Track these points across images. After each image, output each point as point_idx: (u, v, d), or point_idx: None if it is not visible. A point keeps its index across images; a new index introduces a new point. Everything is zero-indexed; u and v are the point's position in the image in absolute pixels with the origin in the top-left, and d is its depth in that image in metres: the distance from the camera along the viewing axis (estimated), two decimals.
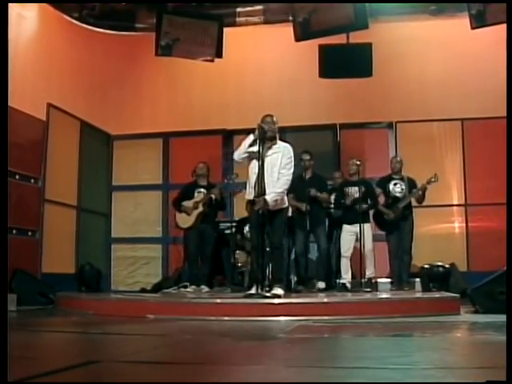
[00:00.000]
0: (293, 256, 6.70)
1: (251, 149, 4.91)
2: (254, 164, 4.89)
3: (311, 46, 7.48)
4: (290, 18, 7.68)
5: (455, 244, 7.73)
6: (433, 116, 7.92)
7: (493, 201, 7.38)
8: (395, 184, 6.59)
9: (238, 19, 8.10)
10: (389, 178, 6.68)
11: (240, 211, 7.31)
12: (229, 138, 8.51)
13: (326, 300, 5.01)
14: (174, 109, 8.88)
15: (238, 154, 5.00)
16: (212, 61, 7.74)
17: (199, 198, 6.59)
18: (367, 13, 7.17)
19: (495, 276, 4.79)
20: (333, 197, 6.77)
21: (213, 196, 6.58)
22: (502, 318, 3.69)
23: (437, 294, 5.64)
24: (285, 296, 4.92)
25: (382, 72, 7.55)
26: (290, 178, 4.95)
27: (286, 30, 7.61)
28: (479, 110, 7.67)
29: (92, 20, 7.98)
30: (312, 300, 5.09)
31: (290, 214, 5.31)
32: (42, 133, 7.13)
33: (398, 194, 6.56)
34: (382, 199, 6.66)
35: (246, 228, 7.00)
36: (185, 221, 6.58)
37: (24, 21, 7.04)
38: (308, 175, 6.56)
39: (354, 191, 6.43)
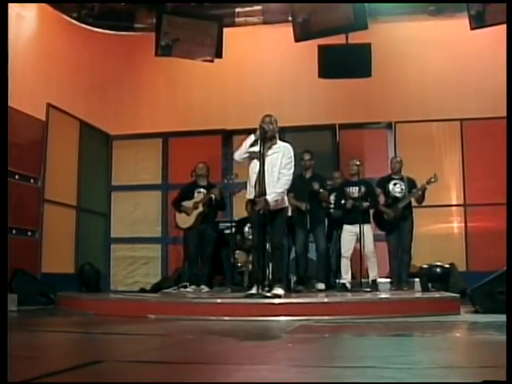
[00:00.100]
0: (292, 255, 6.70)
1: (252, 149, 4.91)
2: (255, 164, 4.90)
3: (310, 47, 7.49)
4: (290, 18, 7.69)
5: (454, 244, 7.73)
6: (432, 116, 7.93)
7: (492, 201, 7.39)
8: (395, 184, 6.60)
9: (237, 19, 8.11)
10: (388, 178, 6.69)
11: (240, 211, 7.32)
12: (228, 138, 8.51)
13: (326, 300, 5.03)
14: (174, 109, 8.88)
15: (239, 154, 5.00)
16: (212, 61, 7.75)
17: (199, 198, 6.59)
18: (367, 13, 7.18)
19: (495, 276, 4.80)
20: (332, 197, 6.78)
21: (213, 196, 6.58)
22: (502, 317, 3.70)
23: (437, 294, 5.65)
24: (285, 296, 4.93)
25: (382, 72, 7.57)
26: (291, 177, 4.96)
27: (286, 31, 7.62)
28: (478, 110, 7.68)
29: (91, 20, 7.98)
30: (312, 300, 5.10)
31: (289, 213, 5.31)
32: (42, 133, 7.12)
33: (397, 194, 6.56)
34: (381, 199, 6.66)
35: (246, 228, 7.02)
36: (185, 221, 6.58)
37: (23, 21, 7.04)
38: (308, 175, 6.56)
39: (355, 191, 6.43)
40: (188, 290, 6.45)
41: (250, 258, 6.47)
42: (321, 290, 6.28)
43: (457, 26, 7.47)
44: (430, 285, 6.67)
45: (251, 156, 4.95)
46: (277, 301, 4.67)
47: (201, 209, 6.53)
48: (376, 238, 6.54)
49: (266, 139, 4.90)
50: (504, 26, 6.28)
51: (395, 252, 6.52)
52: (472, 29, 6.96)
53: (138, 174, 8.70)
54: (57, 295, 6.05)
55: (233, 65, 8.29)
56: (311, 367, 2.24)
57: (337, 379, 1.96)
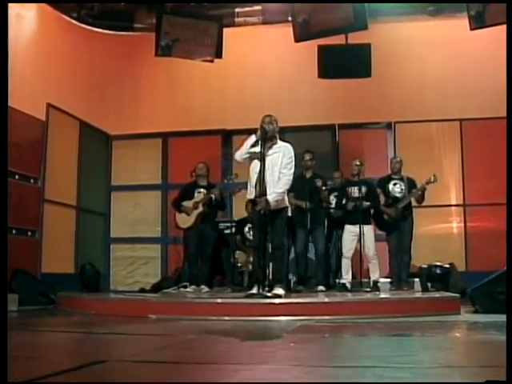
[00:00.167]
0: (292, 255, 6.70)
1: (253, 149, 4.92)
2: (256, 164, 4.90)
3: (310, 47, 7.50)
4: (290, 18, 7.69)
5: (453, 244, 7.74)
6: (431, 116, 7.93)
7: (491, 201, 7.40)
8: (395, 184, 6.60)
9: (236, 19, 8.11)
10: (388, 179, 6.69)
11: (240, 211, 7.33)
12: (228, 138, 8.52)
13: (326, 300, 5.03)
14: (173, 109, 8.88)
15: (240, 155, 5.00)
16: (212, 61, 7.75)
17: (199, 198, 6.60)
18: (367, 13, 7.19)
19: (495, 276, 4.81)
20: (332, 197, 6.78)
21: (213, 196, 6.59)
22: (503, 317, 3.70)
23: (437, 294, 5.67)
24: (285, 296, 4.93)
25: (381, 72, 7.58)
26: (291, 177, 4.97)
27: (285, 31, 7.62)
28: (478, 110, 7.70)
29: (91, 20, 7.98)
30: (313, 300, 5.10)
31: (289, 213, 5.32)
32: (42, 133, 7.12)
33: (397, 194, 6.57)
34: (381, 199, 6.67)
35: (246, 228, 7.03)
36: (185, 221, 6.59)
37: (23, 21, 7.04)
38: (309, 175, 6.56)
39: (357, 191, 6.42)
40: (188, 289, 6.45)
41: (250, 258, 6.50)
42: (321, 291, 6.27)
43: (456, 26, 7.48)
44: (429, 285, 6.69)
45: (252, 156, 4.95)
46: (277, 301, 4.67)
47: (201, 209, 6.54)
48: (376, 238, 6.54)
49: (267, 139, 4.91)
50: (503, 27, 6.29)
51: (395, 252, 6.52)
52: (472, 29, 6.97)
53: (138, 174, 8.70)
54: (57, 295, 6.05)
55: (233, 65, 8.29)
56: (314, 367, 2.25)
57: (339, 379, 1.97)
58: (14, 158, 5.76)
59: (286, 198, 5.11)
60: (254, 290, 4.87)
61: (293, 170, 4.99)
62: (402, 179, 6.61)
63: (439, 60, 8.04)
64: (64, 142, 7.68)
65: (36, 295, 6.11)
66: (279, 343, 3.09)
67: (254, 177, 4.90)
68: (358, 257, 6.27)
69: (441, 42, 7.96)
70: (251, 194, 4.92)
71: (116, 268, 8.63)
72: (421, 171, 6.74)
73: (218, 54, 7.66)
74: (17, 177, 6.57)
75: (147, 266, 8.54)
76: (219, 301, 5.00)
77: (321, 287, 6.34)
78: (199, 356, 2.56)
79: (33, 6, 7.17)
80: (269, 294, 4.79)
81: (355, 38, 7.50)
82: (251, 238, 6.47)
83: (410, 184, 6.57)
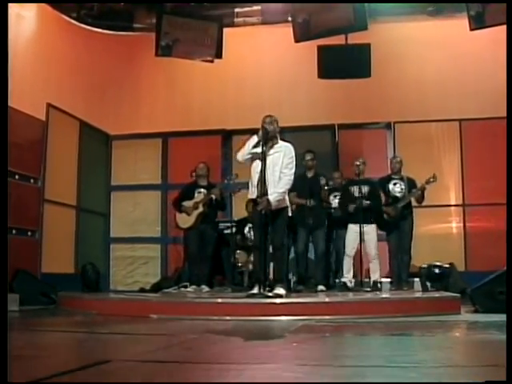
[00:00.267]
0: (292, 255, 6.71)
1: (255, 150, 4.93)
2: (257, 163, 4.91)
3: (310, 47, 7.51)
4: (289, 18, 7.71)
5: (453, 244, 7.76)
6: (431, 116, 7.94)
7: (490, 201, 7.42)
8: (395, 184, 6.62)
9: (236, 19, 8.12)
10: (388, 179, 6.70)
11: (239, 211, 7.34)
12: (228, 138, 8.52)
13: (327, 300, 5.04)
14: (173, 109, 8.88)
15: (242, 155, 5.01)
16: (212, 61, 7.76)
17: (199, 198, 6.60)
18: (367, 14, 7.20)
19: (495, 276, 4.82)
20: (332, 197, 6.79)
21: (213, 196, 6.59)
22: (503, 317, 3.73)
23: (437, 294, 5.68)
24: (286, 296, 4.95)
25: (381, 72, 7.59)
26: (292, 177, 4.98)
27: (285, 31, 7.63)
28: (477, 110, 7.71)
29: (90, 20, 7.98)
30: (313, 300, 5.11)
31: (290, 213, 5.32)
32: (42, 133, 7.12)
33: (397, 194, 6.58)
34: (382, 199, 6.68)
35: (246, 228, 7.04)
36: (185, 221, 6.59)
37: (23, 21, 7.04)
38: (310, 174, 6.56)
39: (361, 190, 6.42)
40: (188, 289, 6.46)
41: (251, 257, 6.52)
42: (321, 291, 6.28)
43: (456, 26, 7.50)
44: (429, 285, 6.70)
45: (254, 157, 4.96)
46: (278, 301, 4.69)
47: (201, 209, 6.54)
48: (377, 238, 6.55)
49: (268, 139, 4.92)
50: (502, 27, 6.31)
51: (395, 252, 6.54)
52: (472, 29, 6.99)
53: (138, 173, 8.70)
54: (58, 295, 6.05)
55: (232, 65, 8.30)
56: (318, 366, 2.26)
57: (350, 378, 1.98)
58: (13, 158, 5.76)
59: (287, 197, 5.12)
60: (255, 290, 4.88)
61: (294, 170, 5.00)
62: (402, 179, 6.62)
63: (439, 60, 8.06)
64: (64, 142, 7.68)
65: (37, 295, 6.11)
66: (282, 343, 3.10)
67: (255, 176, 4.91)
68: (359, 257, 6.28)
69: (440, 42, 7.97)
70: (253, 193, 4.94)
71: (116, 268, 8.63)
72: (420, 171, 6.75)
73: (218, 55, 7.68)
74: (17, 177, 6.57)
75: (147, 265, 8.55)
76: (220, 301, 5.01)
77: (321, 287, 6.34)
78: (203, 356, 2.57)
79: (33, 6, 7.17)
80: (270, 294, 4.80)
81: (355, 38, 7.52)
82: (251, 237, 6.50)
83: (410, 184, 6.58)
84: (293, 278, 6.76)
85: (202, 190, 6.67)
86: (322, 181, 6.35)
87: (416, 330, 3.66)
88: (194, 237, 6.56)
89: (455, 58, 7.98)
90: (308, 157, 6.53)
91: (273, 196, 4.80)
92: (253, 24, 8.16)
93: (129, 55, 8.76)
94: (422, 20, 7.85)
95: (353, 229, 6.41)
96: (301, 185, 6.16)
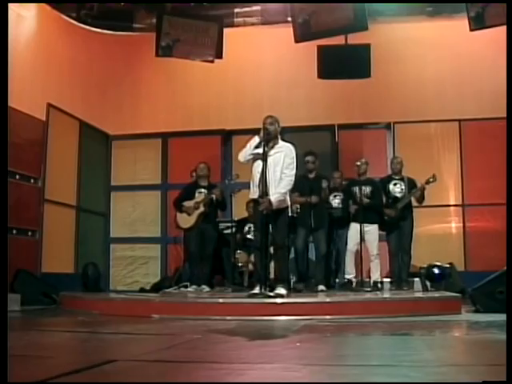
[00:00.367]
0: (292, 255, 6.70)
1: (256, 151, 4.94)
2: (258, 164, 4.93)
3: (310, 47, 7.51)
4: (289, 19, 7.71)
5: (452, 244, 7.78)
6: (430, 117, 7.96)
7: (490, 201, 7.44)
8: (395, 184, 6.63)
9: (235, 20, 8.12)
10: (389, 179, 6.72)
11: (240, 211, 7.34)
12: (228, 138, 8.53)
13: (328, 300, 5.05)
14: (173, 109, 8.87)
15: (244, 156, 5.02)
16: (212, 61, 7.76)
17: (200, 198, 6.61)
18: (367, 14, 7.21)
19: (495, 276, 4.84)
20: (331, 197, 6.79)
21: (214, 196, 6.60)
22: (503, 317, 3.74)
23: (438, 294, 5.69)
24: (287, 295, 4.95)
25: (380, 73, 7.60)
26: (293, 178, 4.99)
27: (285, 31, 7.63)
28: (477, 110, 7.73)
29: (90, 20, 7.98)
30: (315, 300, 5.13)
31: (290, 213, 5.33)
32: (42, 133, 7.13)
33: (397, 195, 6.59)
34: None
35: (246, 228, 7.04)
36: (186, 221, 6.60)
37: (22, 20, 7.03)
38: (312, 175, 6.55)
39: (362, 190, 6.42)
40: (189, 289, 6.46)
41: (251, 257, 6.52)
42: (322, 291, 6.28)
43: (455, 26, 7.51)
44: (429, 284, 6.71)
45: (255, 157, 4.97)
46: (280, 300, 4.69)
47: (202, 209, 6.55)
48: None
49: (269, 140, 4.93)
50: (502, 27, 6.32)
51: (395, 252, 6.55)
52: (471, 30, 6.99)
53: (138, 173, 8.71)
54: (60, 295, 6.05)
55: (232, 65, 8.29)
56: (323, 366, 2.26)
57: (356, 377, 1.99)
58: (14, 158, 5.76)
59: (288, 197, 5.13)
60: (257, 290, 4.88)
61: (295, 171, 5.01)
62: (402, 180, 6.63)
63: (438, 60, 8.07)
64: (64, 142, 7.68)
65: (38, 295, 6.11)
66: (285, 342, 3.11)
67: (257, 176, 4.92)
68: (359, 257, 6.28)
69: (440, 42, 7.98)
70: (254, 193, 4.95)
71: (116, 268, 8.63)
72: (420, 171, 6.77)
73: (218, 55, 7.67)
74: (17, 177, 6.57)
75: (147, 265, 8.55)
76: (222, 300, 5.01)
77: (321, 287, 6.35)
78: (208, 355, 2.58)
79: (32, 6, 7.17)
80: (271, 294, 4.81)
81: (355, 38, 7.52)
82: (251, 237, 6.51)
83: (411, 184, 6.59)
84: (293, 278, 6.76)
85: (203, 190, 6.68)
86: (324, 184, 6.35)
87: (418, 330, 3.67)
88: (194, 237, 6.57)
89: (455, 59, 7.99)
90: (309, 159, 6.49)
91: (274, 196, 4.82)
92: (252, 24, 8.16)
93: (129, 55, 8.76)
94: (422, 20, 7.86)
95: (356, 227, 6.39)
96: (302, 185, 6.16)
